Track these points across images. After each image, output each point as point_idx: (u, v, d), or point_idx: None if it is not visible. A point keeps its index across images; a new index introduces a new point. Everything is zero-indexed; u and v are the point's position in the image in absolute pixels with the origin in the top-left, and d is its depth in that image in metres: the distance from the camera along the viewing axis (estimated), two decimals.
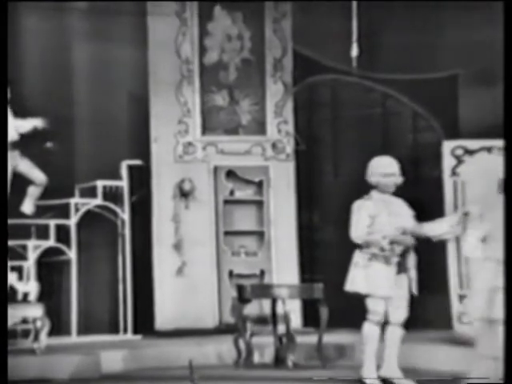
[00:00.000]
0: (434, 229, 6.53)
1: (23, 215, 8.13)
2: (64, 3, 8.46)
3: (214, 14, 8.99)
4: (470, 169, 8.07)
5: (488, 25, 8.45)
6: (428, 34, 8.63)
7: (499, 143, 8.14)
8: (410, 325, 6.55)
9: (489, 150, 8.17)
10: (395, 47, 8.74)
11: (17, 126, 8.08)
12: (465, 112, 8.72)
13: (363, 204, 6.56)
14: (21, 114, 8.08)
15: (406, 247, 6.47)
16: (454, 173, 8.19)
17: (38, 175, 8.03)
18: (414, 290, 6.47)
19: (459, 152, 8.20)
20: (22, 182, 8.06)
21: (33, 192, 8.06)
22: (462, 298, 8.12)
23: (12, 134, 8.05)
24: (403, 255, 6.47)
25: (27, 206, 8.06)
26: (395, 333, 6.49)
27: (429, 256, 8.34)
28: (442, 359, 6.90)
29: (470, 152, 8.20)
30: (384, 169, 6.54)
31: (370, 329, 6.48)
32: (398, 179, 6.57)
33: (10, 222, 8.08)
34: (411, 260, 6.50)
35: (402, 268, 6.44)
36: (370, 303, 6.48)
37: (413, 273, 6.49)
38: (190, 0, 8.82)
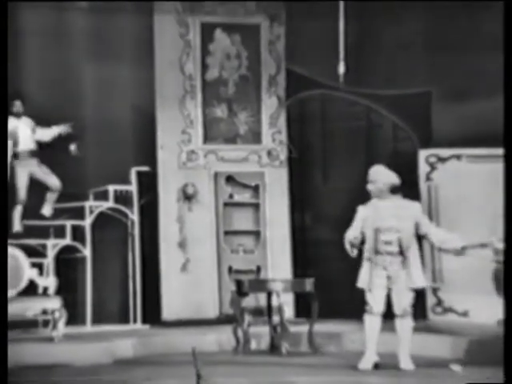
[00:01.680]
0: (443, 241, 6.58)
1: (42, 217, 8.25)
2: (69, 21, 8.46)
3: (214, 35, 9.00)
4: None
5: (459, 48, 8.51)
6: (406, 55, 8.66)
7: (467, 151, 8.31)
8: (389, 315, 6.61)
9: (458, 157, 8.25)
10: (378, 66, 8.78)
11: (39, 136, 8.18)
12: (437, 124, 8.73)
13: (359, 209, 6.67)
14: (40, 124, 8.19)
15: (406, 246, 6.45)
16: (428, 178, 8.29)
17: (53, 182, 8.14)
18: (418, 284, 6.46)
19: (432, 159, 8.31)
20: (41, 187, 8.18)
21: (50, 197, 8.20)
22: (435, 290, 8.21)
23: (29, 144, 8.12)
24: (402, 253, 6.46)
25: (46, 210, 8.23)
26: (403, 324, 6.49)
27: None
28: (419, 345, 6.98)
29: (441, 159, 8.29)
30: (370, 176, 6.64)
31: (367, 319, 6.52)
32: (380, 186, 6.57)
33: (31, 223, 8.35)
34: (412, 257, 6.49)
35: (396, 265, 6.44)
36: (367, 296, 6.52)
37: (414, 269, 6.47)
38: (190, 0, 8.81)
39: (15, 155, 8.12)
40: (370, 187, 6.64)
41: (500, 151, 8.02)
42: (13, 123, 8.00)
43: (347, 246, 6.62)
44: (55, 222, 8.38)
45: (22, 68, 8.24)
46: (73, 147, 8.16)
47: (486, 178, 8.05)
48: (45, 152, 8.26)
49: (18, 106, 8.11)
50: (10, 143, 7.90)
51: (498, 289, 7.72)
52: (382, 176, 6.65)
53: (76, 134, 8.19)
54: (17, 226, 8.12)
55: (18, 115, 8.13)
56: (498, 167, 7.90)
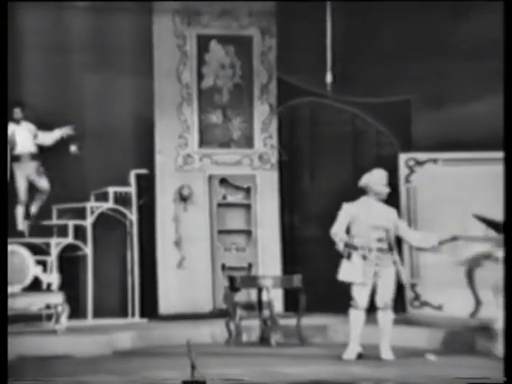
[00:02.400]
0: (420, 240, 6.75)
1: (36, 220, 8.23)
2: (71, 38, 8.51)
3: (210, 47, 9.04)
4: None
5: (436, 58, 8.61)
6: (387, 66, 8.69)
7: (443, 155, 8.45)
8: (371, 308, 6.72)
9: (434, 161, 8.31)
10: (362, 76, 8.81)
11: (41, 140, 8.16)
12: (416, 130, 8.80)
13: (344, 206, 6.79)
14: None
15: (392, 244, 6.61)
16: (407, 180, 8.38)
17: (43, 184, 8.10)
18: (404, 280, 6.67)
19: (411, 163, 8.37)
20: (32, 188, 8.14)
21: (38, 198, 8.17)
22: (413, 286, 8.27)
23: (29, 147, 8.06)
24: (385, 251, 6.61)
25: (33, 209, 8.18)
26: (384, 317, 6.63)
27: None
28: (399, 337, 7.10)
29: (419, 163, 8.36)
30: (383, 179, 6.78)
31: (352, 314, 6.65)
32: (387, 188, 6.72)
33: (37, 224, 8.36)
34: (396, 255, 6.65)
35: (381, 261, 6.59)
36: (354, 291, 6.64)
37: (400, 265, 6.63)
38: (187, 0, 8.79)
39: (15, 158, 8.09)
40: (382, 189, 6.72)
41: (472, 155, 8.27)
42: (11, 128, 7.97)
43: (336, 239, 6.70)
44: (58, 221, 8.45)
45: (24, 75, 8.26)
46: (73, 148, 8.14)
47: (458, 181, 8.19)
48: (48, 155, 8.23)
49: (17, 112, 8.10)
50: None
51: (470, 283, 7.88)
52: (387, 180, 6.82)
53: (77, 135, 8.16)
54: (20, 225, 8.12)
55: (17, 121, 8.11)
56: (470, 170, 8.12)
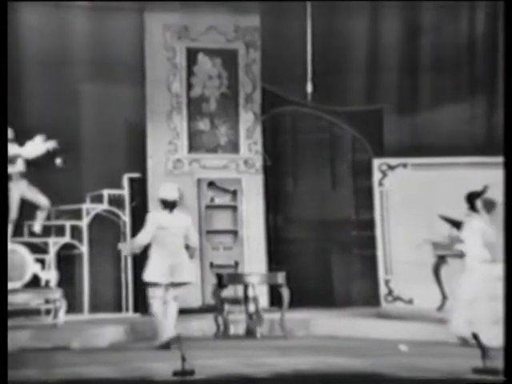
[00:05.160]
0: (196, 242, 7.06)
1: (34, 234, 8.11)
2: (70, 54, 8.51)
3: (198, 59, 9.08)
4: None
5: (403, 70, 8.81)
6: (361, 77, 8.86)
7: (412, 160, 8.61)
8: (353, 303, 6.85)
9: (404, 165, 8.44)
10: (339, 86, 8.94)
11: (27, 152, 7.89)
12: (387, 136, 8.94)
13: (149, 215, 6.98)
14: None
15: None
16: (380, 184, 8.48)
17: (42, 201, 7.97)
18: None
19: (384, 167, 8.49)
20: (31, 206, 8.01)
21: (40, 215, 8.05)
22: (387, 282, 8.39)
23: (19, 166, 7.83)
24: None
25: (37, 227, 8.07)
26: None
27: (361, 251, 8.69)
28: (373, 329, 7.21)
29: (391, 167, 8.48)
30: None
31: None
32: None
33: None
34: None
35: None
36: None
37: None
38: (180, 0, 8.75)
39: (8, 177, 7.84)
40: (171, 198, 6.94)
41: (438, 160, 8.46)
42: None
43: (135, 247, 6.89)
44: (56, 222, 8.42)
45: (20, 88, 8.21)
46: (58, 161, 8.00)
47: (426, 183, 8.33)
48: (43, 162, 8.09)
49: (9, 132, 7.69)
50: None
51: (436, 279, 7.98)
52: (175, 191, 7.08)
53: (62, 148, 8.02)
54: (9, 243, 7.65)
55: (9, 141, 7.72)
56: (436, 174, 8.27)
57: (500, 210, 6.39)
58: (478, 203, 6.80)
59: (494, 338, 5.99)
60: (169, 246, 6.84)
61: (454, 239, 7.39)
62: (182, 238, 6.95)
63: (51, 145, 8.00)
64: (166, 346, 6.68)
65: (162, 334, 6.78)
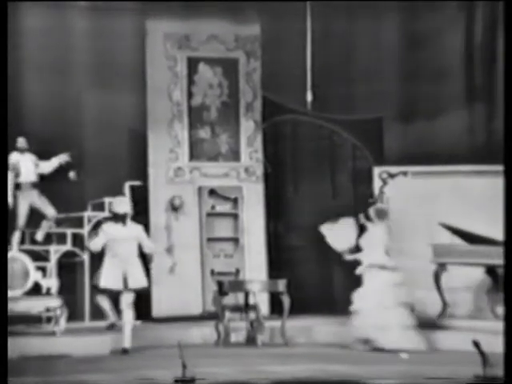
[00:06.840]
0: (150, 247, 7.36)
1: (36, 242, 8.14)
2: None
3: (199, 68, 9.13)
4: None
5: (403, 78, 8.84)
6: (362, 86, 8.89)
7: (412, 168, 8.63)
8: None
9: (404, 173, 8.49)
10: (339, 95, 8.96)
11: (41, 169, 8.05)
12: (388, 145, 8.98)
13: (103, 226, 7.34)
14: (43, 156, 8.07)
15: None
16: (381, 191, 8.53)
17: (50, 211, 8.02)
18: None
19: (384, 175, 8.54)
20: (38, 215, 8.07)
21: (45, 225, 8.10)
22: None
23: (31, 176, 7.95)
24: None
25: (39, 236, 8.12)
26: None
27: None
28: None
29: (391, 175, 8.53)
30: None
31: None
32: None
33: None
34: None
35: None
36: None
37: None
38: (177, 0, 8.73)
39: (18, 186, 7.97)
40: (122, 211, 7.28)
41: (437, 168, 8.47)
42: (16, 157, 7.94)
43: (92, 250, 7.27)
44: (57, 229, 8.40)
45: (22, 93, 8.24)
46: (72, 174, 8.13)
47: (426, 191, 8.34)
48: (55, 176, 8.17)
49: (21, 142, 8.00)
50: (10, 175, 7.73)
51: (437, 287, 7.95)
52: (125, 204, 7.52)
53: (74, 162, 8.13)
54: (15, 250, 7.90)
55: (21, 150, 8.00)
56: (436, 181, 8.27)
57: (391, 218, 6.82)
58: (371, 212, 6.92)
59: (405, 342, 6.36)
60: (121, 256, 7.14)
61: (350, 248, 7.48)
62: (135, 247, 7.27)
63: (63, 158, 8.11)
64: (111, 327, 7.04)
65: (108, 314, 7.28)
